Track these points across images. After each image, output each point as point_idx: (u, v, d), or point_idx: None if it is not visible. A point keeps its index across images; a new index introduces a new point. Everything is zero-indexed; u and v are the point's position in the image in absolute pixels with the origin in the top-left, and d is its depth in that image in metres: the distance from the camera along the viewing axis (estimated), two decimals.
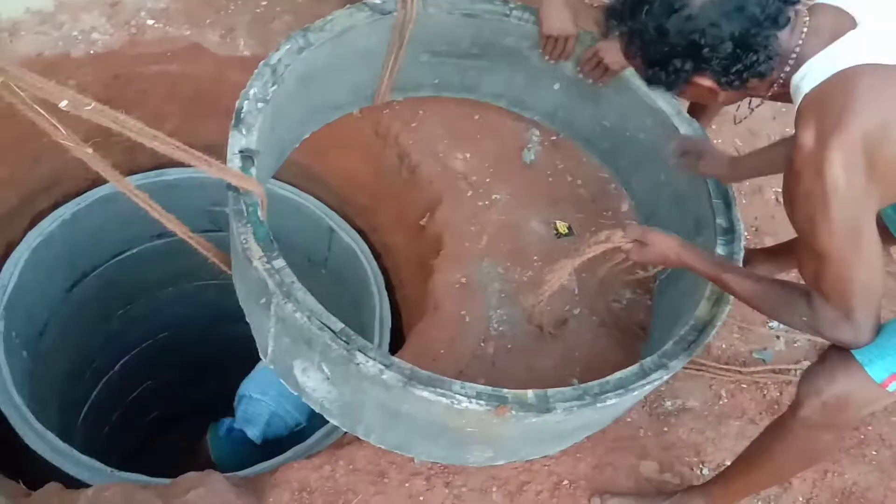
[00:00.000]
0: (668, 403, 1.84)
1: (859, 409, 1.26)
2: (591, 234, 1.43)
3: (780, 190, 2.41)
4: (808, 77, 1.10)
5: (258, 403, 2.27)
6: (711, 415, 1.84)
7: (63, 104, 1.07)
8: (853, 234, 1.08)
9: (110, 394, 3.01)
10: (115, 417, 3.16)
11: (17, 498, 1.59)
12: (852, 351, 1.20)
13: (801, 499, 1.77)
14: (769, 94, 1.19)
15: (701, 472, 1.74)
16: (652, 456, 1.74)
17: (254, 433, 2.32)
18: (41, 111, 1.10)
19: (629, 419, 1.79)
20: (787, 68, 1.13)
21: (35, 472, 1.84)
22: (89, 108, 1.10)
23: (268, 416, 2.26)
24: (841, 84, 1.06)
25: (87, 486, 1.56)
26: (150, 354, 3.15)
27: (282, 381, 1.61)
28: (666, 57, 1.13)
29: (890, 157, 1.04)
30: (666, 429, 1.79)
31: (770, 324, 2.05)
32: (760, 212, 2.36)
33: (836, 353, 1.25)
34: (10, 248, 2.23)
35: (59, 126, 1.12)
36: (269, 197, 2.53)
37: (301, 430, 2.40)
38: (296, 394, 2.23)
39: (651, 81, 1.21)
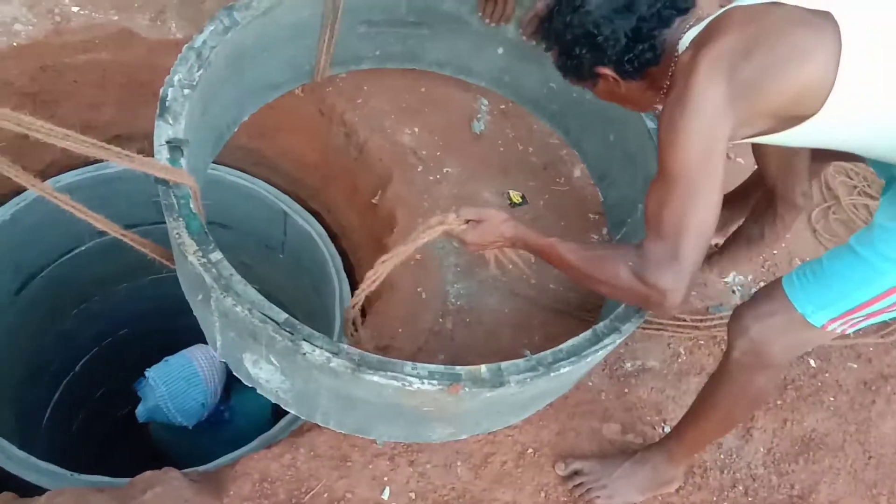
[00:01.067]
0: (628, 365, 1.85)
1: (788, 346, 1.29)
2: (423, 222, 1.38)
3: (744, 151, 2.43)
4: (685, 40, 1.22)
5: (151, 389, 2.27)
6: (671, 373, 1.85)
7: None
8: (705, 155, 1.11)
9: (73, 395, 2.94)
10: (81, 417, 3.10)
11: None
12: (791, 301, 1.23)
13: (762, 449, 1.80)
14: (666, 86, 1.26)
15: (663, 430, 1.76)
16: (614, 418, 1.75)
17: (139, 411, 2.31)
18: None
19: (590, 383, 1.79)
20: (676, 56, 1.22)
21: None
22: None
23: (153, 403, 2.26)
24: (717, 18, 1.17)
25: (41, 494, 1.52)
26: (112, 351, 3.08)
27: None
28: (570, 46, 1.29)
29: (746, 80, 1.09)
30: (627, 390, 1.80)
31: (725, 279, 2.07)
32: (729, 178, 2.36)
33: (764, 292, 1.30)
34: None
35: None
36: (218, 184, 2.48)
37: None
38: (208, 395, 2.25)
39: (562, 70, 1.36)
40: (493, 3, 1.94)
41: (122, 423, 3.36)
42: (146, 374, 2.29)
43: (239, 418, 2.44)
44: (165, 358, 2.35)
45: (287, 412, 1.61)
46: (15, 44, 2.02)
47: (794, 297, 1.24)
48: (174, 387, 2.24)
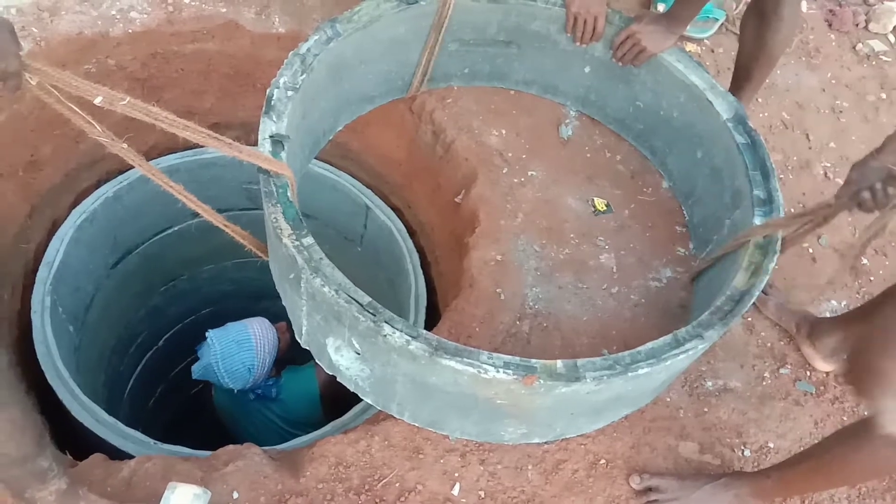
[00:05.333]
0: (709, 383, 1.80)
1: None
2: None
3: (829, 165, 2.33)
4: None
5: (207, 347, 2.36)
6: (754, 395, 1.79)
7: (98, 101, 1.09)
8: None
9: (155, 368, 3.09)
10: (159, 391, 3.24)
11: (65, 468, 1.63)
12: None
13: None
14: None
15: (742, 453, 1.70)
16: (692, 437, 1.70)
17: (195, 367, 2.41)
18: (76, 110, 1.11)
19: (668, 399, 1.75)
20: None
21: (81, 443, 1.90)
22: (123, 102, 1.12)
23: (206, 361, 2.35)
24: None
25: (131, 457, 1.60)
26: (194, 330, 3.21)
27: (314, 354, 1.61)
28: None
29: None
30: (706, 409, 1.75)
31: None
32: (808, 187, 2.28)
33: None
34: (56, 225, 2.28)
35: (94, 123, 1.14)
36: (305, 175, 2.56)
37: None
38: (255, 368, 2.33)
39: None
40: (582, 21, 1.93)
41: (194, 401, 3.50)
42: (207, 333, 2.40)
43: (287, 396, 2.52)
44: (227, 323, 2.46)
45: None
46: (130, 31, 2.14)
47: None
48: (227, 348, 2.34)
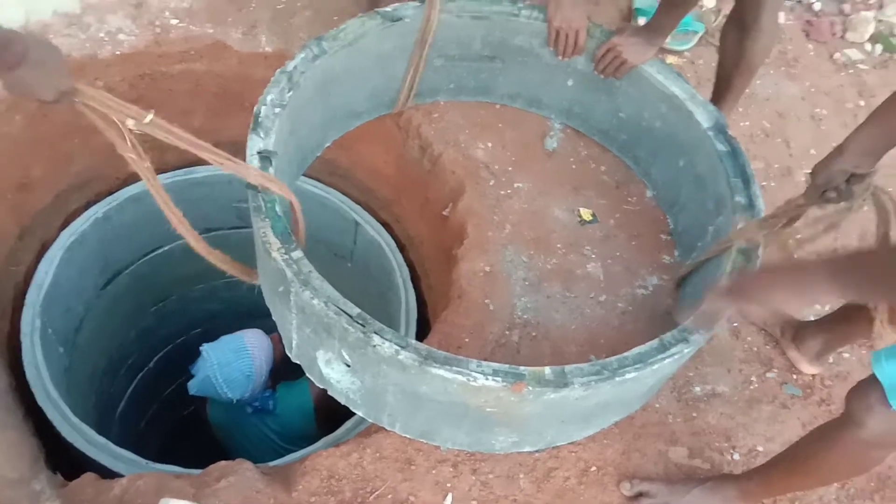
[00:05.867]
0: (697, 388, 1.81)
1: None
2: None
3: (810, 171, 2.37)
4: None
5: (203, 360, 2.38)
6: (742, 400, 1.81)
7: (130, 124, 1.14)
8: None
9: (146, 389, 3.07)
10: (150, 413, 3.23)
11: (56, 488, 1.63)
12: None
13: (835, 485, 1.73)
14: None
15: (732, 457, 1.72)
16: (681, 442, 1.72)
17: (191, 383, 2.41)
18: (118, 131, 1.16)
19: (657, 405, 1.77)
20: None
21: (72, 464, 1.89)
22: (147, 121, 1.16)
23: (203, 374, 2.36)
24: None
25: (123, 476, 1.59)
26: (185, 350, 3.20)
27: (304, 369, 1.62)
28: None
29: None
30: (695, 414, 1.77)
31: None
32: (791, 194, 2.30)
33: None
34: (46, 246, 2.29)
35: (129, 140, 1.18)
36: (294, 192, 2.58)
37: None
38: (249, 378, 2.34)
39: None
40: (564, 36, 1.97)
41: (187, 421, 3.49)
42: (201, 348, 2.41)
43: (282, 410, 2.52)
44: (221, 337, 2.48)
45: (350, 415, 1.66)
46: (118, 52, 2.17)
47: None
48: (223, 357, 2.36)
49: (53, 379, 2.07)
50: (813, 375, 1.88)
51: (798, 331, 1.87)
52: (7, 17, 2.06)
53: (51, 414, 2.00)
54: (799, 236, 2.12)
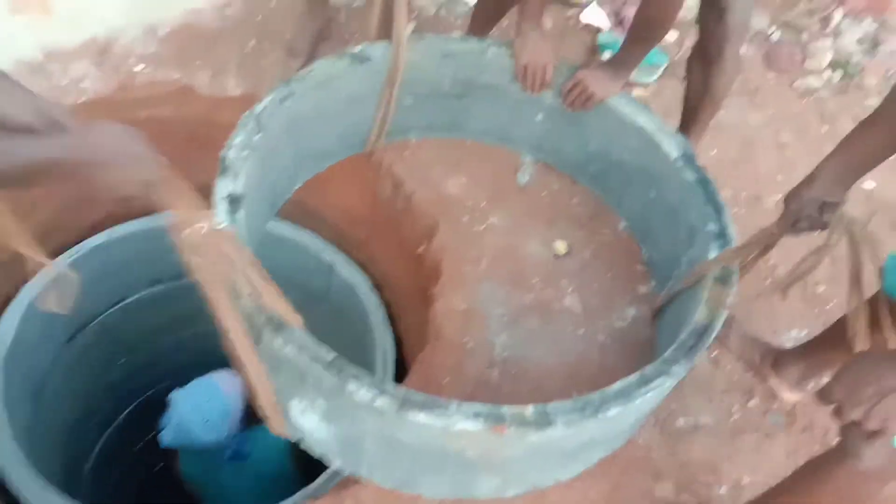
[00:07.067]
0: (681, 421, 1.79)
1: None
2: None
3: (778, 198, 2.40)
4: None
5: (174, 407, 2.26)
6: (725, 430, 1.79)
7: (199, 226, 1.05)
8: None
9: (115, 446, 2.96)
10: (122, 469, 3.11)
11: None
12: None
13: None
14: None
15: (719, 490, 1.69)
16: (667, 476, 1.69)
17: (163, 434, 2.29)
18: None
19: (640, 440, 1.74)
20: None
21: None
22: (220, 227, 1.07)
23: (176, 421, 2.24)
24: None
25: None
26: (154, 404, 3.10)
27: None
28: None
29: None
30: (679, 447, 1.74)
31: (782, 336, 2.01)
32: (761, 220, 2.32)
33: None
34: (8, 300, 2.21)
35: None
36: (266, 235, 2.54)
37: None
38: (223, 425, 2.26)
39: None
40: (532, 73, 1.99)
41: (160, 477, 3.36)
42: (170, 396, 2.32)
43: (258, 452, 2.43)
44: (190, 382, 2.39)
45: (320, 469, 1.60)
46: (82, 100, 2.13)
47: None
48: (196, 400, 2.26)
49: (17, 438, 1.98)
50: (794, 403, 1.87)
51: (777, 358, 1.87)
52: None
53: (15, 475, 1.91)
54: (771, 262, 2.15)
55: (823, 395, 1.12)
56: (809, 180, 1.40)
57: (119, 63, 2.22)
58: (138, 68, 2.23)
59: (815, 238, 1.40)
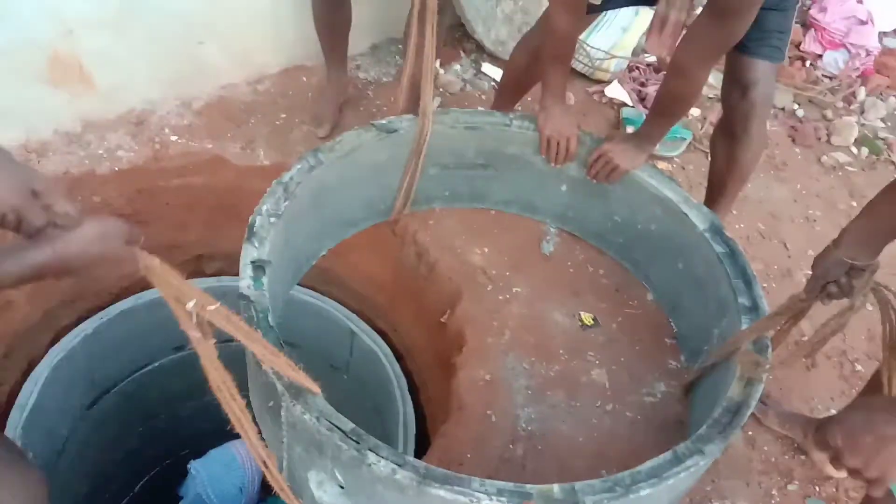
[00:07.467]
0: None
1: None
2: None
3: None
4: None
5: (192, 478, 2.26)
6: None
7: (190, 305, 1.07)
8: None
9: None
10: None
11: None
12: None
13: None
14: None
15: None
16: None
17: None
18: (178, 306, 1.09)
19: None
20: None
21: None
22: (213, 308, 1.09)
23: (194, 493, 2.24)
24: None
25: None
26: (172, 474, 3.04)
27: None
28: None
29: None
30: None
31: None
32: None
33: None
34: (32, 365, 2.21)
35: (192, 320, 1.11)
36: (289, 302, 2.54)
37: None
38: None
39: None
40: (556, 144, 2.01)
41: None
42: (189, 466, 2.28)
43: None
44: (208, 451, 2.36)
45: None
46: (117, 168, 2.19)
47: None
48: (213, 471, 2.25)
49: None
50: (840, 480, 1.77)
51: (818, 429, 1.77)
52: (6, 137, 2.10)
53: None
54: (805, 338, 2.08)
55: (820, 442, 1.07)
56: (835, 243, 1.37)
57: (154, 134, 2.30)
58: (173, 139, 2.30)
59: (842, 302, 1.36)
